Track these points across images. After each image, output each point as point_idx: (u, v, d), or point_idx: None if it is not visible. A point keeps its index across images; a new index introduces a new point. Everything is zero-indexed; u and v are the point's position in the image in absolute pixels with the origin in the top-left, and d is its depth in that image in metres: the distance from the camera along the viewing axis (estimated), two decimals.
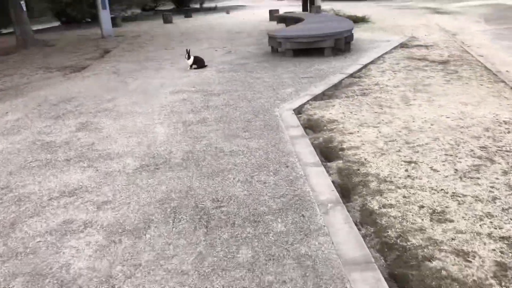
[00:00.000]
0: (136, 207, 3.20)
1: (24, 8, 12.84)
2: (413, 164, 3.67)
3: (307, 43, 8.30)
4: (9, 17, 13.54)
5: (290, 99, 5.80)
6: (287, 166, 3.72)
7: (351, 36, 8.81)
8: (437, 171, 3.51)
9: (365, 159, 3.82)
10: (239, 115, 5.23)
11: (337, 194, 3.20)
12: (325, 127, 4.74)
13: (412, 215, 2.90)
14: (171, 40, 12.95)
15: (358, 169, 3.62)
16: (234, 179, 3.56)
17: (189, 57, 8.11)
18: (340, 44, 8.39)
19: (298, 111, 5.40)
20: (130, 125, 5.11)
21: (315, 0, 16.80)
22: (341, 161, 3.83)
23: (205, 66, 8.26)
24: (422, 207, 3.00)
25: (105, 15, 14.73)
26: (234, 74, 7.55)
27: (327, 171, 3.64)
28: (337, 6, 19.34)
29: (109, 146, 4.48)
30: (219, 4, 28.89)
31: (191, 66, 8.17)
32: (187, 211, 3.09)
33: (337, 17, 13.17)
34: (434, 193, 3.17)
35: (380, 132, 4.45)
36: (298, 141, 4.31)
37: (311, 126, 4.88)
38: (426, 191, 3.22)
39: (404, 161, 3.73)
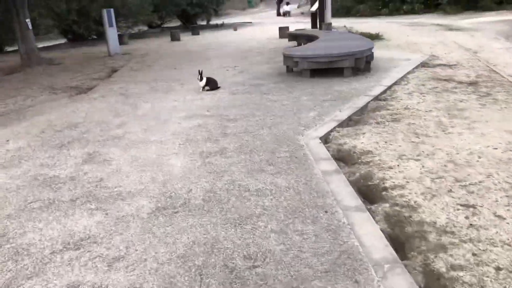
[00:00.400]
0: (154, 266, 2.70)
1: (30, 27, 12.50)
2: (472, 209, 3.16)
3: (326, 63, 7.85)
4: (14, 34, 13.22)
5: (314, 125, 5.33)
6: (326, 211, 3.22)
7: (372, 55, 8.37)
8: (504, 219, 3.01)
9: (415, 201, 3.32)
10: (260, 145, 4.76)
11: (392, 250, 2.70)
12: (359, 160, 4.25)
13: (491, 281, 2.39)
14: (180, 59, 12.56)
15: (410, 216, 3.12)
16: (265, 227, 3.06)
17: (201, 78, 7.66)
18: (360, 64, 7.95)
19: (325, 139, 4.92)
20: (142, 156, 4.64)
21: (325, 17, 16.39)
22: (387, 204, 3.32)
23: (218, 87, 7.81)
24: (499, 269, 2.49)
25: (112, 33, 14.40)
26: (249, 96, 7.10)
27: (373, 217, 3.14)
28: (346, 23, 19.02)
29: (120, 182, 4.00)
30: (226, 21, 28.67)
31: (203, 87, 7.72)
32: (215, 272, 2.59)
33: (352, 34, 12.78)
34: (508, 249, 2.66)
35: (423, 166, 3.96)
36: (332, 178, 3.81)
37: (343, 158, 4.40)
38: (497, 246, 2.71)
39: (461, 205, 3.23)
